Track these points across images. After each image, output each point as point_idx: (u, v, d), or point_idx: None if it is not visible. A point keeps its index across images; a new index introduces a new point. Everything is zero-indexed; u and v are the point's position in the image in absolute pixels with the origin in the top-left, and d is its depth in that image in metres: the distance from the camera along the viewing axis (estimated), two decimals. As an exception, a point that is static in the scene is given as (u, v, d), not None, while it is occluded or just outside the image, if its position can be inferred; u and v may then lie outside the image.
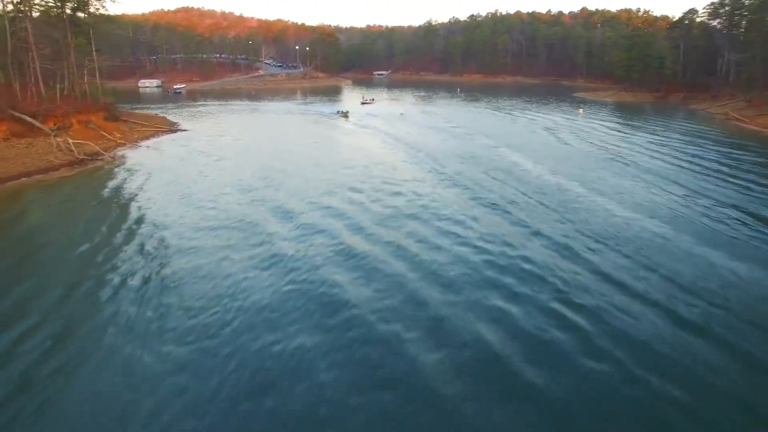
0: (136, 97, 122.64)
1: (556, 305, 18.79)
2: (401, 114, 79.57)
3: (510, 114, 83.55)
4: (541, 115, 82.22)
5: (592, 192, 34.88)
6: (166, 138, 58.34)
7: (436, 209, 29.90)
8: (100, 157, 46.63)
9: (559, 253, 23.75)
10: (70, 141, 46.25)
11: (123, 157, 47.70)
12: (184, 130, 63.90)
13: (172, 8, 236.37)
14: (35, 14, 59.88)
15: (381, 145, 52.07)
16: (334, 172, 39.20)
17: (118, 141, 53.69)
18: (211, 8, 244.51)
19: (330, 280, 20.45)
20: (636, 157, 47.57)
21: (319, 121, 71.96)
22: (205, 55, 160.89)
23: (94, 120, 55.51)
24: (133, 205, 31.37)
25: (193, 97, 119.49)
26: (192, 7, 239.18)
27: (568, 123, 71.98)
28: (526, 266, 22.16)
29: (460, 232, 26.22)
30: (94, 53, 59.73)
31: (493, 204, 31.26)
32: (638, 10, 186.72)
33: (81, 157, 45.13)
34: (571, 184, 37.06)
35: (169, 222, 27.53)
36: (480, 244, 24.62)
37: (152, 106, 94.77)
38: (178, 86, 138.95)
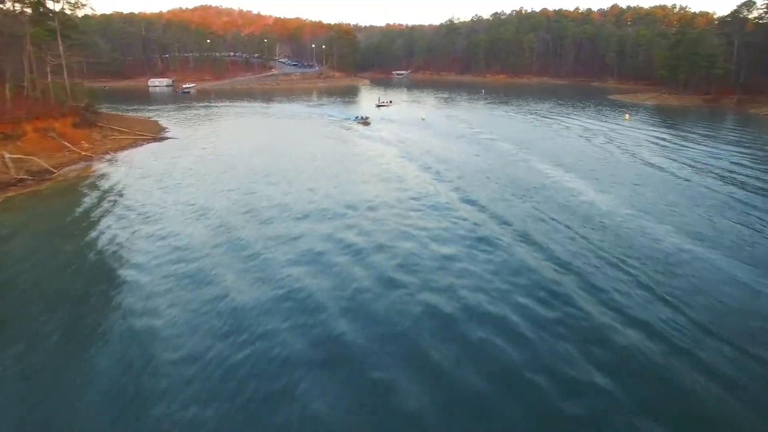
0: (146, 96, 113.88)
1: None
2: (423, 119, 68.23)
3: (546, 119, 71.61)
4: (582, 120, 70.11)
5: (702, 245, 23.33)
6: (143, 149, 48.04)
7: (467, 294, 18.45)
8: (48, 177, 36.42)
9: (690, 397, 12.56)
10: (7, 155, 36.02)
11: (77, 177, 37.40)
12: (170, 138, 53.66)
13: (190, 6, 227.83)
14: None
15: (397, 166, 40.20)
16: (329, 216, 27.57)
17: (83, 153, 43.56)
18: (228, 6, 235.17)
19: None
20: (738, 180, 35.62)
21: (329, 128, 60.84)
22: (218, 54, 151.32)
23: (58, 127, 45.45)
24: (32, 266, 20.82)
25: (201, 97, 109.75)
26: (210, 6, 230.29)
27: (619, 131, 59.89)
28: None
29: (506, 347, 15.12)
30: (60, 47, 49.33)
31: (553, 279, 19.80)
32: (673, 7, 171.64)
33: (19, 176, 34.89)
34: (662, 228, 25.59)
35: (67, 315, 16.95)
36: (542, 383, 13.48)
37: (151, 107, 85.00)
38: (187, 86, 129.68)
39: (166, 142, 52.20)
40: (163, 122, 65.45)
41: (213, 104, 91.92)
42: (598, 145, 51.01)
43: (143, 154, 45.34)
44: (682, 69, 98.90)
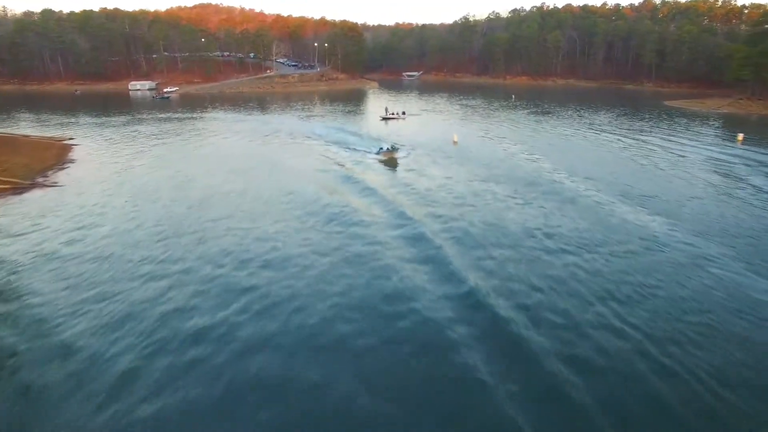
0: (121, 102, 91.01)
1: None
2: (454, 143, 44.73)
3: (623, 139, 48.13)
4: (674, 142, 46.67)
5: None
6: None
7: None
8: None
9: None
10: None
11: None
12: (53, 186, 30.72)
13: (189, 4, 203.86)
14: None
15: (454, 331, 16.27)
16: None
17: None
18: (230, 5, 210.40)
19: None
20: None
21: (316, 167, 37.18)
22: (210, 54, 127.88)
23: None
24: None
25: (182, 104, 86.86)
26: (210, 4, 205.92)
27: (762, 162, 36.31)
28: None
29: None
30: None
31: None
32: (716, 0, 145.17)
33: None
34: None
35: None
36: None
37: (94, 120, 61.94)
38: (168, 90, 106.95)
39: (42, 192, 29.32)
40: (81, 149, 42.80)
41: (177, 116, 68.68)
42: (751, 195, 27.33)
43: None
44: (770, 69, 74.15)
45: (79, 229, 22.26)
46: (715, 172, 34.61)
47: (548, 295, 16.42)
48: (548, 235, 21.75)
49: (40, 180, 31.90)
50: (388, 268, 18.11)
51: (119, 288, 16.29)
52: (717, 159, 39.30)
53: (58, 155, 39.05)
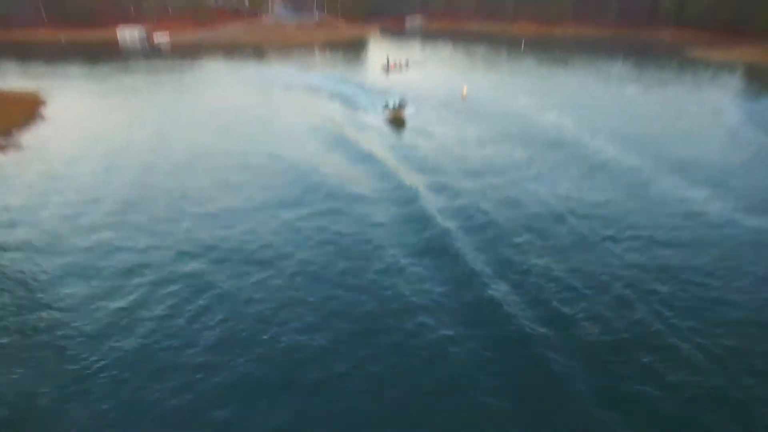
0: (112, 50, 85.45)
1: None
2: (463, 97, 40.32)
3: (647, 91, 43.33)
4: (704, 94, 41.93)
5: None
6: None
7: None
8: None
9: None
10: None
11: None
12: (9, 148, 27.10)
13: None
14: None
15: None
16: None
17: None
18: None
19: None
20: None
21: (321, 120, 33.09)
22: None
23: None
24: None
25: (173, 53, 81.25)
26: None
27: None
28: None
29: None
30: None
31: None
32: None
33: None
34: None
35: None
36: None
37: (78, 70, 57.06)
38: (159, 36, 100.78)
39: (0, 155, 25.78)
40: (56, 103, 38.44)
41: (169, 66, 63.73)
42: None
43: None
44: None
45: (28, 206, 18.91)
46: (760, 129, 30.56)
47: (584, 298, 13.24)
48: (575, 213, 18.33)
49: (1, 141, 28.23)
50: (389, 261, 14.86)
51: (55, 290, 13.13)
52: (757, 115, 35.07)
53: (27, 111, 35.04)
